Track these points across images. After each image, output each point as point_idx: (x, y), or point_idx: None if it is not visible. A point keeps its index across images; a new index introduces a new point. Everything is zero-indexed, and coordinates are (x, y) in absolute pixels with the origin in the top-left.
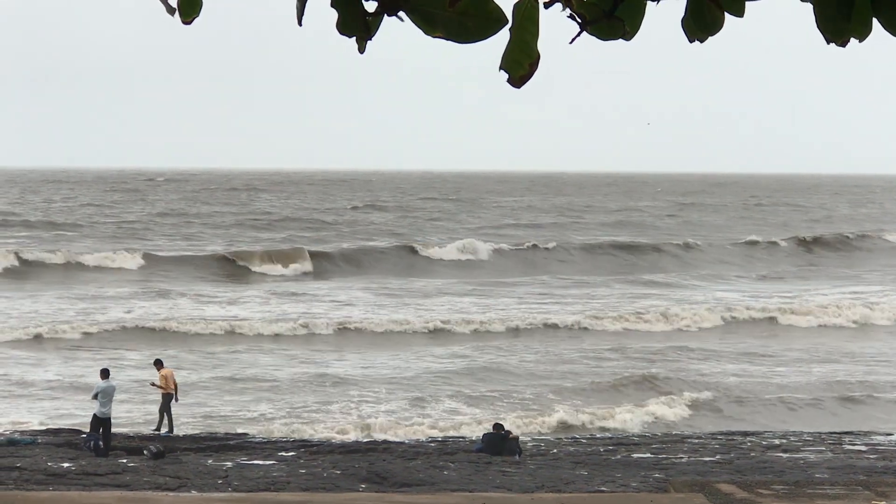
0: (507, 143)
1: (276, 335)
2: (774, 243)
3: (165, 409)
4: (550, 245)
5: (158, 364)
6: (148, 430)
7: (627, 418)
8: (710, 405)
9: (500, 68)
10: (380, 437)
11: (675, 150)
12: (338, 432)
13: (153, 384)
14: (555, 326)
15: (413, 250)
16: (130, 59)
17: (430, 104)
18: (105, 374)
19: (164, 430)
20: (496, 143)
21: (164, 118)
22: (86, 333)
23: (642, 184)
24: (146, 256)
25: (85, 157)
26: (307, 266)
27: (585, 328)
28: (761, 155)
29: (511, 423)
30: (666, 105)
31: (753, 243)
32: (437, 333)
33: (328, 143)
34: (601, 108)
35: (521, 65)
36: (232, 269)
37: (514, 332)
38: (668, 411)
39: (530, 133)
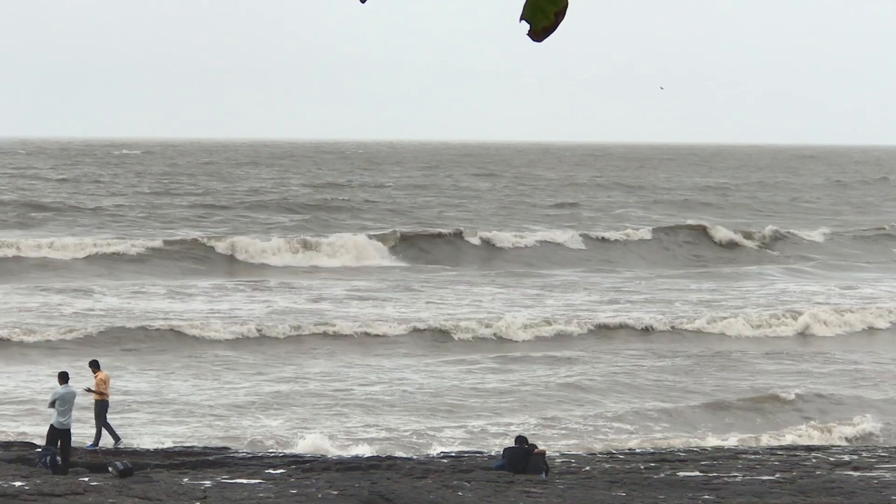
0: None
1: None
2: None
3: (102, 418)
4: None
5: (94, 366)
6: (115, 442)
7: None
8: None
9: (521, 18)
10: (384, 451)
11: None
12: (337, 447)
13: (88, 390)
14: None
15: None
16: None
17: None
18: (64, 377)
19: (107, 441)
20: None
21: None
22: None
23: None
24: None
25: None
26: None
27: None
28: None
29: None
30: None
31: None
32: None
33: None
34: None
35: (545, 13)
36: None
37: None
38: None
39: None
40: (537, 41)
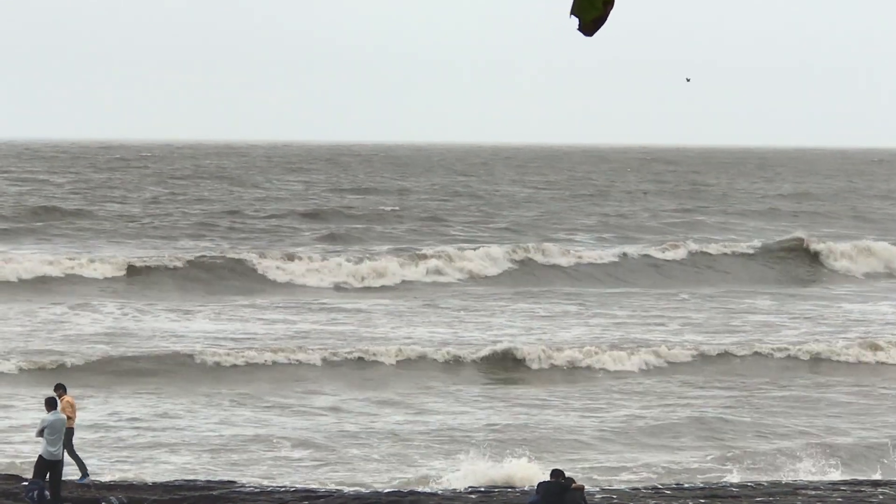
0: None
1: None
2: None
3: (69, 447)
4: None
5: (61, 389)
6: (113, 474)
7: None
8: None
9: (571, 13)
10: (404, 486)
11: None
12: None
13: None
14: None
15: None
16: None
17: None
18: (51, 404)
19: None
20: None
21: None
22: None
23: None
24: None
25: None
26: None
27: None
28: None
29: None
30: None
31: None
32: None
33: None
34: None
35: (594, 4)
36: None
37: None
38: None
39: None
40: (588, 35)
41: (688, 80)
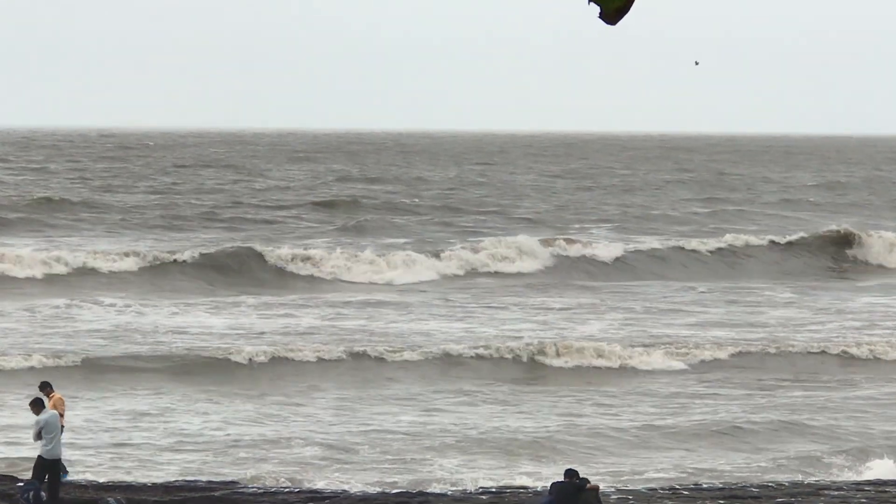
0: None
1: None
2: None
3: None
4: None
5: (46, 388)
6: (114, 474)
7: None
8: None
9: (590, 1)
10: (413, 486)
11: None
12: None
13: None
14: None
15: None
16: None
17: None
18: (39, 404)
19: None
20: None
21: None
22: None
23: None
24: None
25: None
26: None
27: None
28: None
29: None
30: None
31: None
32: None
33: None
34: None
35: None
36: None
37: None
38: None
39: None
40: (611, 24)
41: (696, 64)
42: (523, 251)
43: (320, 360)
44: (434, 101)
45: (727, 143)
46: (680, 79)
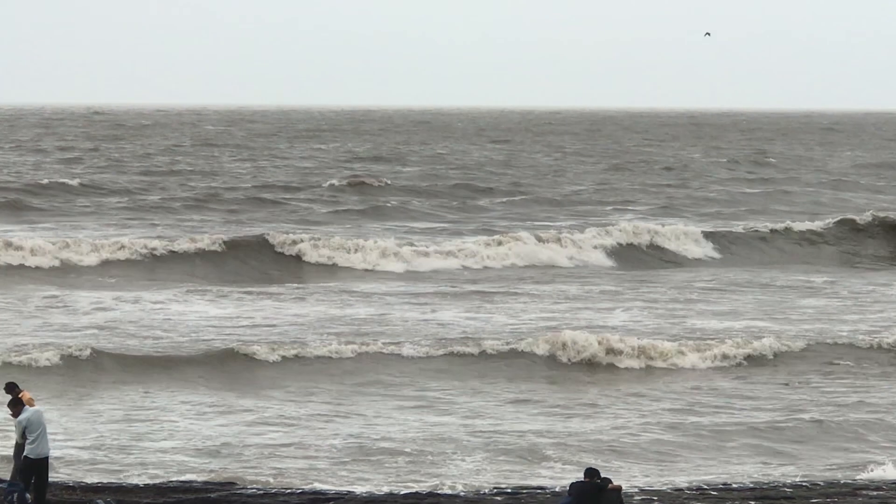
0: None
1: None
2: None
3: (19, 452)
4: None
5: (14, 388)
6: (103, 475)
7: None
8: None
9: None
10: (424, 487)
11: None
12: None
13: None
14: None
15: None
16: None
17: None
18: (17, 403)
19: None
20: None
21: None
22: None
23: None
24: None
25: None
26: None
27: None
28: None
29: None
30: None
31: None
32: None
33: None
34: None
35: None
36: None
37: None
38: None
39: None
40: None
41: (707, 35)
42: (577, 241)
43: (328, 356)
44: (447, 78)
45: (761, 119)
46: (697, 54)
